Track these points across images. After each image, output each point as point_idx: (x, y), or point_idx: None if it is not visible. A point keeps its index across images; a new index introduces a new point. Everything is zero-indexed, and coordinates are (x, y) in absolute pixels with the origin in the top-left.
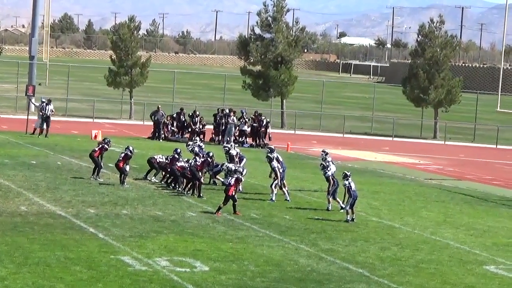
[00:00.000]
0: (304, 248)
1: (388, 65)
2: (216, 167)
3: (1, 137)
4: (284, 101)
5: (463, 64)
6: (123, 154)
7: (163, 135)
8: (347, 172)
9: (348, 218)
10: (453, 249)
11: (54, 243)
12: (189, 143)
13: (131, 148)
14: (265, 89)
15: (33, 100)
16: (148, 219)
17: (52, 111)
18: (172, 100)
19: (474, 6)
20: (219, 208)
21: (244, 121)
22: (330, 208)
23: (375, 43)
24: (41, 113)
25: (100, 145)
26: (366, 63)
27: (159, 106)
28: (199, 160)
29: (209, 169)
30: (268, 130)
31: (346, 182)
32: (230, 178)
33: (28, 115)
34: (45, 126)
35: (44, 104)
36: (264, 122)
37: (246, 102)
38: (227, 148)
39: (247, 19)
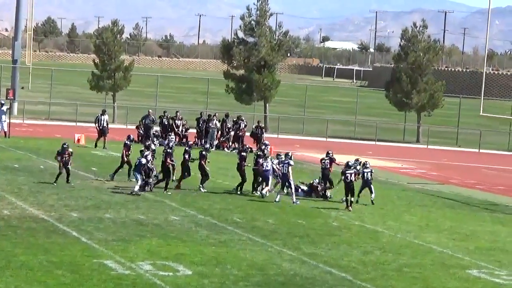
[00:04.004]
0: (287, 252)
1: (371, 69)
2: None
3: None
4: (267, 105)
5: (446, 69)
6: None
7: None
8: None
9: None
10: (436, 253)
11: (37, 247)
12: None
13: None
14: (248, 93)
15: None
16: (131, 223)
17: (107, 121)
18: (155, 104)
19: (457, 11)
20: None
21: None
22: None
23: (358, 47)
24: (96, 125)
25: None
26: (349, 67)
27: (150, 111)
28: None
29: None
30: (263, 136)
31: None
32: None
33: (10, 118)
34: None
35: (99, 114)
36: (242, 126)
37: (229, 106)
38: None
39: (231, 23)
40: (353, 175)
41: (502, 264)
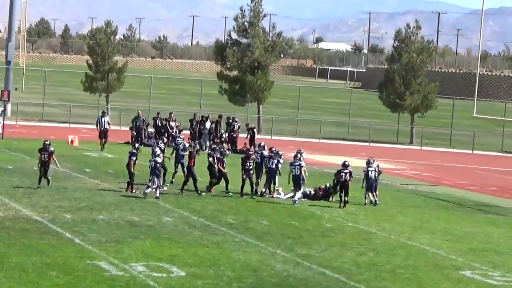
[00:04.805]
0: (280, 253)
1: (364, 70)
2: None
3: None
4: (261, 106)
5: (439, 70)
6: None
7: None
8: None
9: (367, 202)
10: (429, 254)
11: (31, 248)
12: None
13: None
14: (242, 94)
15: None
16: (124, 224)
17: (109, 123)
18: (148, 106)
19: (450, 12)
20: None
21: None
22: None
23: (352, 49)
24: (97, 128)
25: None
26: (343, 68)
27: (140, 112)
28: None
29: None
30: (255, 137)
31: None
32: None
33: (3, 120)
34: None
35: (99, 117)
36: (236, 127)
37: (223, 107)
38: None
39: (224, 24)
40: (347, 175)
41: (495, 265)
